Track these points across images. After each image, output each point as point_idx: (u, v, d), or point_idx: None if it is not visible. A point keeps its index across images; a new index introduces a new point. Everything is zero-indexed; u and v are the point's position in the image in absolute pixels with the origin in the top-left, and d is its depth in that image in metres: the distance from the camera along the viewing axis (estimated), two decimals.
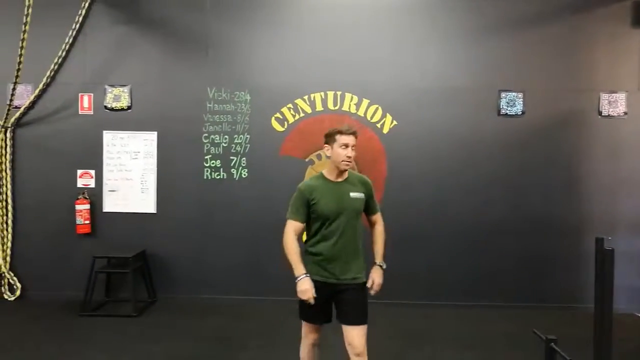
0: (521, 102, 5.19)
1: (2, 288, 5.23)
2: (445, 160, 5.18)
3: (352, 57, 5.21)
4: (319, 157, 5.24)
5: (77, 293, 4.95)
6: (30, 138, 5.29)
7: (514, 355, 3.84)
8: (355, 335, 2.62)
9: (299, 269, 2.61)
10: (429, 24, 5.21)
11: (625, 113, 5.18)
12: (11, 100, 5.08)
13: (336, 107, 5.25)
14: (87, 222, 5.17)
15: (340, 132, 2.64)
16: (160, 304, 5.14)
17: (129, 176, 5.31)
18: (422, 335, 4.32)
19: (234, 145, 5.28)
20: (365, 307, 2.71)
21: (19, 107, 5.21)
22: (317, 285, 2.62)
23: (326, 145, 2.70)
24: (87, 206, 5.17)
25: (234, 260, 5.26)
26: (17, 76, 4.89)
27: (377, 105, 5.23)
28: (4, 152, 5.21)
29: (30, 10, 4.59)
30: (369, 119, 5.23)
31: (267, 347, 4.00)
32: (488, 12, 5.18)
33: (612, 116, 5.18)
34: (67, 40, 5.21)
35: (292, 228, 2.68)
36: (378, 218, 2.87)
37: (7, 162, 5.22)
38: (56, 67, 5.24)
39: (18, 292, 5.22)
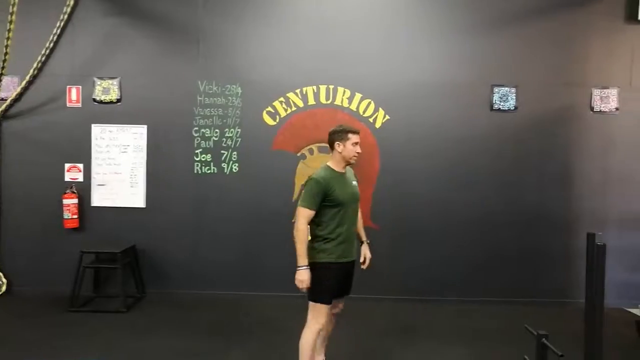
0: (514, 97, 5.18)
1: None
2: (437, 155, 5.17)
3: (344, 51, 5.17)
4: (311, 151, 5.20)
5: (65, 288, 4.88)
6: (16, 131, 5.19)
7: (506, 351, 3.84)
8: (342, 301, 3.20)
9: (303, 258, 2.88)
10: (422, 19, 5.18)
11: (617, 109, 5.19)
12: None
13: (328, 101, 5.21)
14: (75, 216, 5.09)
15: (352, 132, 3.04)
16: (149, 299, 5.09)
17: (118, 170, 5.24)
18: (414, 330, 4.31)
19: (224, 139, 5.23)
20: None
21: (5, 100, 5.11)
22: (345, 264, 3.00)
23: (337, 142, 3.04)
24: (75, 200, 5.09)
25: (225, 255, 5.22)
26: (3, 67, 4.79)
27: (369, 100, 5.19)
28: None
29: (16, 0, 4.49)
30: (361, 113, 5.20)
31: (259, 341, 3.97)
32: (481, 7, 5.16)
33: (604, 112, 5.19)
34: (54, 31, 5.10)
35: (307, 216, 2.91)
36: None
37: None
38: (43, 58, 5.14)
39: (4, 288, 5.15)
